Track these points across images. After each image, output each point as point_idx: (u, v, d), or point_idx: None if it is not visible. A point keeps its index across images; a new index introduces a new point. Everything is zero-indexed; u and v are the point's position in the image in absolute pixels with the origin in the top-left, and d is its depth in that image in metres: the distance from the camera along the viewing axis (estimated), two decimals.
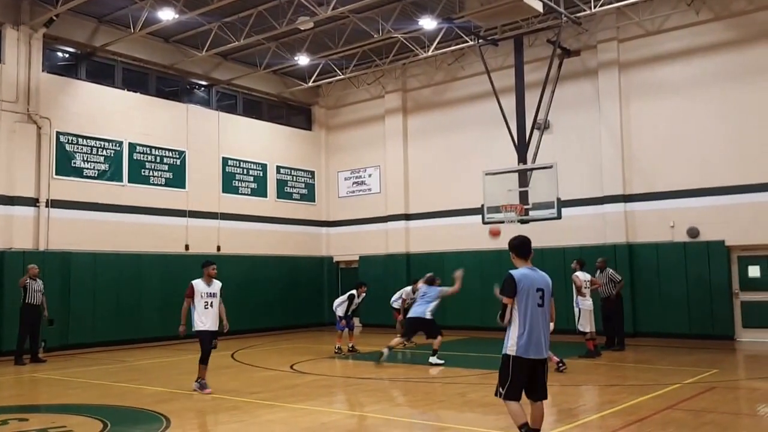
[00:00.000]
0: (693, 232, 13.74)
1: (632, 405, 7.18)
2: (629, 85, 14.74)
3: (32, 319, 11.87)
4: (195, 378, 8.53)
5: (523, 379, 4.83)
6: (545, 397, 4.96)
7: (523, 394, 4.96)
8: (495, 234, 10.25)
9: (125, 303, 14.68)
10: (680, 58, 14.19)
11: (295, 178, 19.34)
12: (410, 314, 11.13)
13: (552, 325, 5.12)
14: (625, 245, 14.32)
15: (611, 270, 12.50)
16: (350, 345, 12.67)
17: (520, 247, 5.01)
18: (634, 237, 14.42)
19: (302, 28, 14.99)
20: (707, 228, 13.53)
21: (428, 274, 11.51)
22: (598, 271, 12.52)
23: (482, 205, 13.76)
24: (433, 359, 10.61)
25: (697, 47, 14.00)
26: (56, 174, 13.97)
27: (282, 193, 18.89)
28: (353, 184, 19.60)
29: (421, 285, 11.41)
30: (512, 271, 4.88)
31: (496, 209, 13.47)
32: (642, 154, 14.48)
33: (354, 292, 12.63)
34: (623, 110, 14.74)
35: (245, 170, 17.95)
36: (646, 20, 14.45)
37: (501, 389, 4.85)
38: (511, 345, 4.81)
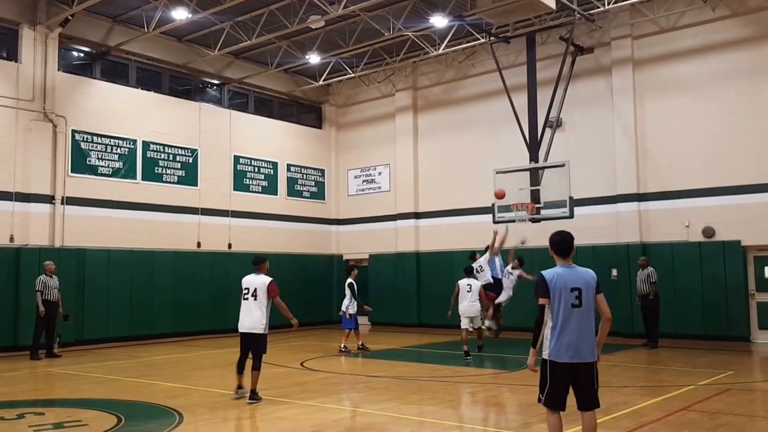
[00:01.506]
0: (708, 232, 13.57)
1: (645, 406, 7.12)
2: (643, 83, 14.58)
3: (48, 315, 12.03)
4: (234, 389, 7.84)
5: (563, 385, 4.53)
6: (595, 406, 4.57)
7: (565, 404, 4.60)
8: (500, 196, 11.94)
9: (138, 299, 14.82)
10: (696, 55, 14.01)
11: (305, 176, 19.40)
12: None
13: (608, 324, 4.65)
14: (638, 245, 14.18)
15: (651, 269, 12.76)
16: (359, 343, 12.68)
17: (560, 244, 4.73)
18: (648, 236, 14.28)
19: (313, 27, 15.01)
20: (723, 228, 13.35)
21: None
22: (640, 269, 12.79)
23: (493, 204, 13.70)
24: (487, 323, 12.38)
25: (713, 44, 13.82)
26: (72, 171, 14.13)
27: (292, 191, 18.95)
28: (363, 182, 19.60)
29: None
30: (544, 271, 4.66)
31: (507, 208, 13.40)
32: (656, 152, 14.33)
33: (351, 280, 12.51)
34: (637, 108, 14.59)
35: (256, 168, 18.04)
36: (660, 17, 14.28)
37: (541, 395, 4.62)
38: (545, 348, 4.59)
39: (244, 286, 7.73)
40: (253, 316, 7.58)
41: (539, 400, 4.65)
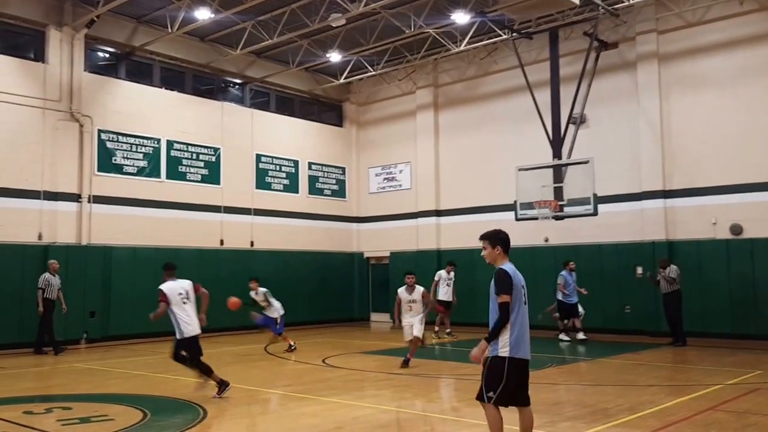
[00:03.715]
0: (736, 229, 13.26)
1: (671, 405, 7.00)
2: (669, 78, 14.30)
3: (48, 313, 12.16)
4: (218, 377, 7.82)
5: (516, 383, 4.55)
6: (530, 402, 4.68)
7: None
8: (234, 305, 10.76)
9: None
10: (722, 50, 13.68)
11: (326, 174, 19.48)
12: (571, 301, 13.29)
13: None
14: (664, 242, 13.93)
15: (672, 266, 12.66)
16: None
17: (508, 241, 4.83)
18: (674, 234, 14.02)
19: (334, 25, 15.05)
20: (751, 225, 13.04)
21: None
22: (661, 269, 12.65)
23: (515, 201, 13.60)
24: (580, 335, 13.23)
25: (740, 38, 13.48)
26: (98, 171, 14.41)
27: (313, 189, 19.05)
28: (384, 180, 19.61)
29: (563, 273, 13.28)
30: (504, 267, 4.68)
31: (530, 205, 13.30)
32: (682, 148, 14.05)
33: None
34: (663, 104, 14.32)
35: (278, 166, 18.17)
36: (686, 11, 13.99)
37: (492, 393, 4.51)
38: (503, 346, 4.52)
39: (177, 292, 7.85)
40: (195, 318, 7.89)
41: (488, 399, 4.55)
